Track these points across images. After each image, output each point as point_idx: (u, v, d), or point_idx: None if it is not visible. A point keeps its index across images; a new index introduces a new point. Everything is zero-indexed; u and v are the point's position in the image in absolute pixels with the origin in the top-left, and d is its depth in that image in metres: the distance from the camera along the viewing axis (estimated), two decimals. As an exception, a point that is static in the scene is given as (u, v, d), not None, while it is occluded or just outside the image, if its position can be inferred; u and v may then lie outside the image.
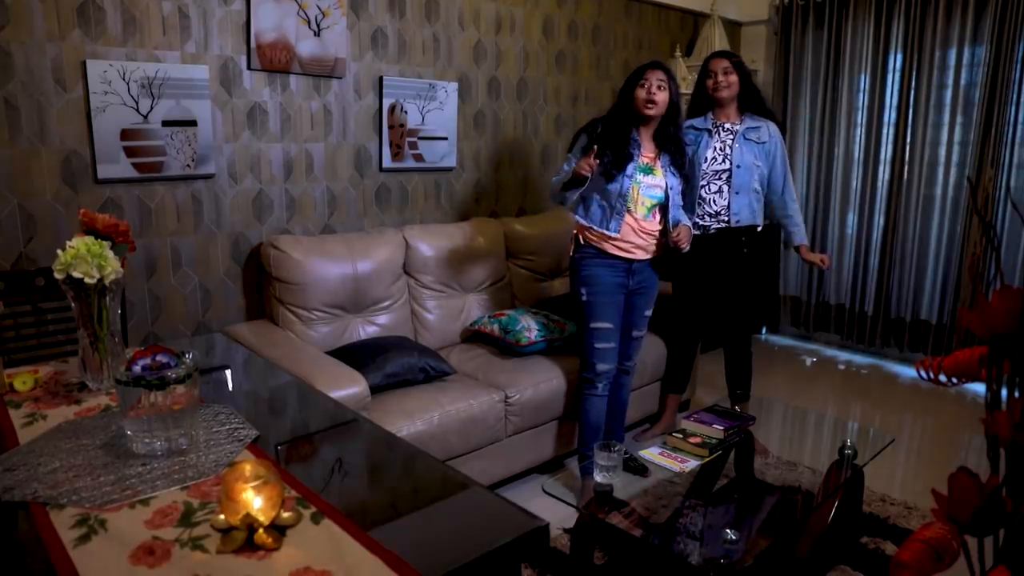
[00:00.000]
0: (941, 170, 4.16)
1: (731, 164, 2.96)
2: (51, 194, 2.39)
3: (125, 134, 2.48)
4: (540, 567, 2.29)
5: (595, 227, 2.60)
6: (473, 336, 3.19)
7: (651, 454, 2.26)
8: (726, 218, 3.00)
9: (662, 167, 2.61)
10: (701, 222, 3.01)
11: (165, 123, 2.56)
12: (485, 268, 3.32)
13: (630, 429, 3.23)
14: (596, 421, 2.75)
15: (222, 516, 1.00)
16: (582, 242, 2.66)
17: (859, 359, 4.59)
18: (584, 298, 2.66)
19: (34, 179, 2.35)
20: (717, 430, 2.32)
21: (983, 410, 0.91)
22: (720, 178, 2.99)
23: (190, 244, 2.72)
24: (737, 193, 2.98)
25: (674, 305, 3.22)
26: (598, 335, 2.66)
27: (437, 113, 3.37)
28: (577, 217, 2.67)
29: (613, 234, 2.58)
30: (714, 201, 3.00)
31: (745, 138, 2.97)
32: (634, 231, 2.59)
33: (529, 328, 2.97)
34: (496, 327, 3.03)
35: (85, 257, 1.42)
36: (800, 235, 3.14)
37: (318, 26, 2.88)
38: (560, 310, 3.18)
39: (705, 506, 2.14)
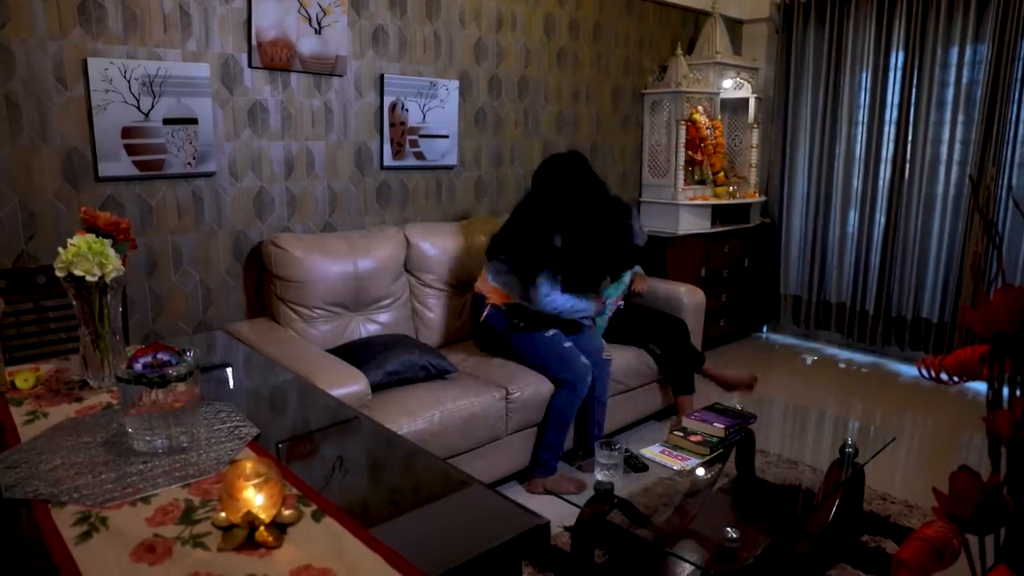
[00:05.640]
0: (943, 168, 4.16)
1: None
2: (52, 192, 2.39)
3: (126, 132, 2.48)
4: (541, 565, 2.29)
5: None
6: (474, 334, 3.19)
7: (652, 452, 2.26)
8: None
9: None
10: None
11: (166, 121, 2.56)
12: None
13: (632, 427, 3.24)
14: None
15: (223, 514, 1.00)
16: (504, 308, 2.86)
17: (860, 358, 4.58)
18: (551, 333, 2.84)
19: (35, 177, 2.36)
20: (718, 428, 2.32)
21: (984, 408, 0.91)
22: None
23: (191, 242, 2.72)
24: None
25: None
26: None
27: (438, 111, 3.37)
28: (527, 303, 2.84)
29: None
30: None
31: None
32: None
33: (530, 326, 2.96)
34: (497, 325, 3.03)
35: (86, 255, 1.42)
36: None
37: (319, 24, 2.88)
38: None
39: (705, 505, 2.14)
